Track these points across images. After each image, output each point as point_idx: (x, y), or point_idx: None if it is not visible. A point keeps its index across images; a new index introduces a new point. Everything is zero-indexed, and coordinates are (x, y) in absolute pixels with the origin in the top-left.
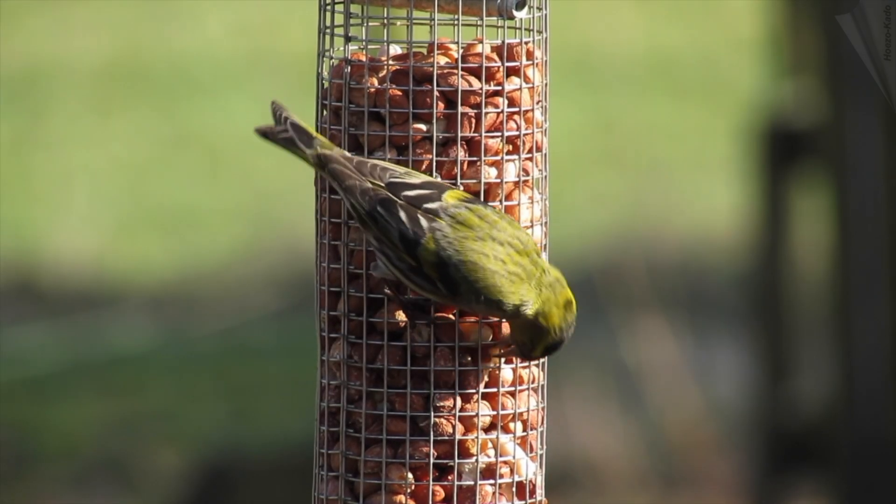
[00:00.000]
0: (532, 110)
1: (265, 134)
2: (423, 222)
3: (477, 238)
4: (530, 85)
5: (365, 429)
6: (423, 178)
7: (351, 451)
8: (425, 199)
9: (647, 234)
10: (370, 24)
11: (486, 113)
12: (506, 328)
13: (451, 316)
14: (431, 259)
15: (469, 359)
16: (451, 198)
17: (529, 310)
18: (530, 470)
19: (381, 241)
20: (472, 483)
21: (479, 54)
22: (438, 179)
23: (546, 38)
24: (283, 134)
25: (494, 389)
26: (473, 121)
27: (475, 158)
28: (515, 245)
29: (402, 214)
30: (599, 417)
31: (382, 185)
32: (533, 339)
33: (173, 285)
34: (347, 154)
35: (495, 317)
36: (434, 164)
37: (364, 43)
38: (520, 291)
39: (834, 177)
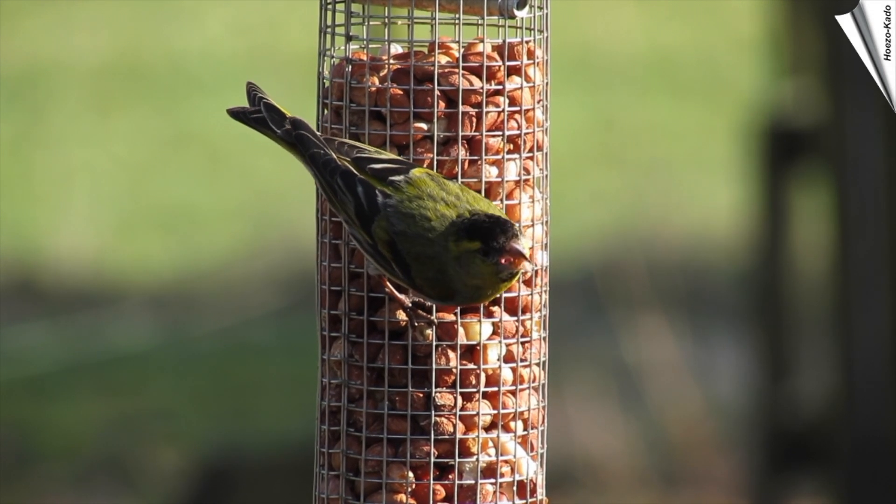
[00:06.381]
0: (533, 109)
1: (238, 115)
2: (379, 199)
3: (414, 197)
4: (531, 84)
5: (366, 428)
6: (392, 156)
7: (352, 450)
8: (392, 171)
9: (648, 232)
10: (371, 23)
11: (487, 112)
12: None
13: (451, 315)
14: (384, 237)
15: (469, 358)
16: (418, 172)
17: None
18: (531, 469)
19: (350, 223)
20: (472, 482)
21: (480, 53)
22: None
23: (547, 38)
24: (255, 115)
25: (495, 388)
26: (474, 120)
27: (476, 157)
28: (448, 200)
29: (360, 189)
30: (600, 416)
31: (349, 160)
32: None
33: (173, 285)
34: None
35: (449, 299)
36: (435, 162)
37: (365, 42)
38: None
39: (834, 176)
